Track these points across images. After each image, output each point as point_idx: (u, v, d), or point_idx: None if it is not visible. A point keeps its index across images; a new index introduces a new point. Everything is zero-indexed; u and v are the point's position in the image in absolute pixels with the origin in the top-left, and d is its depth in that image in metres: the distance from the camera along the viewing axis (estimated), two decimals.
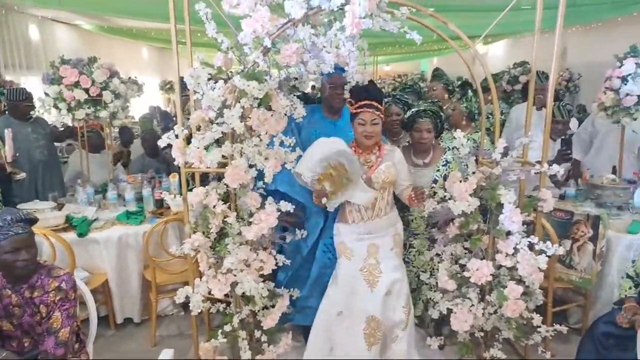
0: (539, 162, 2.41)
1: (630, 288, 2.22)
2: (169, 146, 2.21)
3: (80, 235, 2.91)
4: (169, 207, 3.19)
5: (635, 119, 3.18)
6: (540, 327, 2.45)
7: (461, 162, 2.46)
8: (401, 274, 2.42)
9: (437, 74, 3.90)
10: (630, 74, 3.08)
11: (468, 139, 2.57)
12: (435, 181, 2.63)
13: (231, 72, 2.19)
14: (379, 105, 2.29)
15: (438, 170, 2.65)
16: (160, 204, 3.33)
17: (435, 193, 2.51)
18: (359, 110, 2.27)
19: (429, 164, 2.68)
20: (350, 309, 2.38)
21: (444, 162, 2.65)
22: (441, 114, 2.69)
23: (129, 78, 7.35)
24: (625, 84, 3.10)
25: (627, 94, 3.08)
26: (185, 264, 2.89)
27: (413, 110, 2.67)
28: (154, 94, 9.78)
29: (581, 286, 2.88)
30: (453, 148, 2.57)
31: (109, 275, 2.99)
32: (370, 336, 2.35)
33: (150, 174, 3.62)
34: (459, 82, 4.05)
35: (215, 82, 2.12)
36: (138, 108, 8.39)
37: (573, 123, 3.94)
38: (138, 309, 3.14)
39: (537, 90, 3.08)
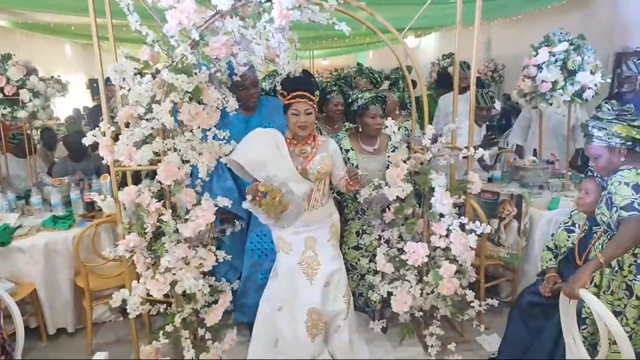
0: (466, 147, 2.54)
1: (550, 259, 2.39)
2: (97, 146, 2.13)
3: (2, 244, 2.72)
4: (101, 210, 3.04)
5: (551, 104, 3.41)
6: (473, 302, 2.60)
7: (395, 148, 2.53)
8: (339, 264, 2.45)
9: (359, 69, 3.91)
10: (544, 62, 3.30)
11: (400, 127, 2.66)
12: (387, 167, 2.68)
13: (159, 67, 2.13)
14: (312, 96, 2.29)
15: (389, 156, 2.70)
16: (91, 206, 3.17)
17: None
18: (291, 101, 2.25)
19: (378, 151, 2.73)
20: (290, 303, 2.39)
21: (392, 148, 2.70)
22: (386, 101, 2.75)
23: (52, 77, 6.92)
24: (541, 71, 3.31)
25: (543, 81, 3.29)
26: (120, 267, 2.78)
27: (365, 97, 2.68)
28: (80, 93, 9.25)
29: (509, 261, 3.08)
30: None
31: (37, 285, 2.81)
32: (313, 327, 2.37)
33: (79, 176, 3.43)
34: (391, 73, 4.14)
35: (142, 77, 2.05)
36: (65, 109, 7.92)
37: (497, 106, 4.20)
38: (71, 318, 2.97)
39: (462, 80, 3.25)
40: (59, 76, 6.41)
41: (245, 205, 2.27)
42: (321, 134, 2.89)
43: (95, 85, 9.03)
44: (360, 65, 4.08)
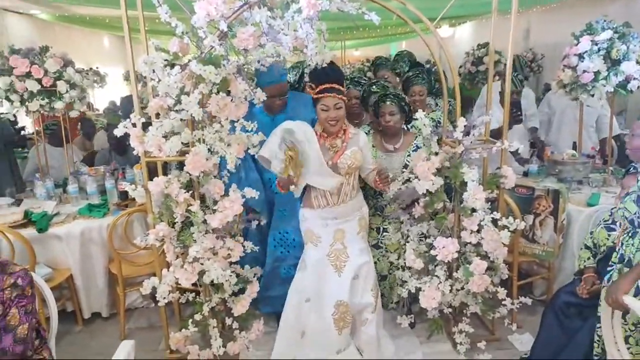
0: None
1: (588, 258, 2.29)
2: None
3: (40, 230, 2.82)
4: (134, 199, 3.11)
5: (592, 95, 3.26)
6: (505, 299, 2.52)
7: (427, 140, 2.46)
8: (368, 257, 2.43)
9: (380, 62, 3.79)
10: (586, 51, 3.14)
11: (430, 119, 2.59)
12: (405, 166, 2.63)
13: (188, 58, 2.13)
14: (341, 88, 2.25)
15: (409, 155, 2.65)
16: (125, 195, 3.25)
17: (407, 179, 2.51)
18: (320, 96, 2.22)
19: (399, 149, 2.67)
20: (318, 295, 2.38)
21: (415, 148, 2.64)
22: (404, 97, 2.67)
23: (90, 69, 7.11)
24: (582, 61, 3.16)
25: (584, 71, 3.14)
26: (151, 255, 2.84)
27: (377, 94, 2.64)
28: (118, 85, 9.51)
29: (544, 259, 2.97)
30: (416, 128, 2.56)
31: (73, 271, 2.91)
32: (340, 320, 2.36)
33: (114, 166, 3.52)
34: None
35: (172, 69, 2.06)
36: (104, 100, 8.16)
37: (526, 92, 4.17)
38: (105, 303, 3.07)
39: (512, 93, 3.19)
40: (97, 68, 6.58)
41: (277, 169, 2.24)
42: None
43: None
44: (380, 58, 3.97)
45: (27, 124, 5.49)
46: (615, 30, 3.15)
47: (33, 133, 4.18)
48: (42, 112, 3.24)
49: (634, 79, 3.14)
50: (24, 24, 6.95)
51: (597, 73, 3.12)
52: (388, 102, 2.56)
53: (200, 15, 1.85)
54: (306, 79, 3.00)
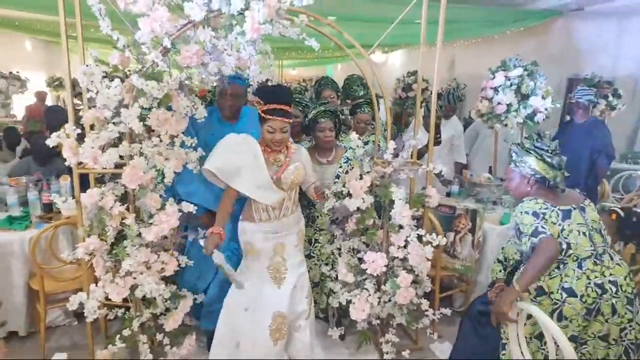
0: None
1: (500, 271, 2.53)
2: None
3: None
4: (59, 212, 2.99)
5: (505, 125, 3.63)
6: (428, 311, 2.71)
7: (360, 160, 2.62)
8: (304, 267, 2.52)
9: (326, 82, 3.84)
10: (500, 85, 3.51)
11: (368, 141, 2.77)
12: (337, 176, 2.77)
13: (129, 70, 2.14)
14: (289, 110, 2.29)
15: (340, 167, 2.81)
16: (49, 208, 3.10)
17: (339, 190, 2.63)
18: (268, 117, 2.25)
19: (332, 162, 2.83)
20: (256, 305, 2.41)
21: (345, 160, 2.82)
22: (339, 113, 2.84)
23: (10, 73, 6.66)
24: (497, 94, 3.52)
25: (499, 103, 3.51)
26: (77, 270, 2.74)
27: (314, 111, 2.79)
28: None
29: (463, 273, 3.22)
30: (350, 148, 2.73)
31: None
32: (276, 331, 2.40)
33: (37, 176, 3.35)
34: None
35: (111, 80, 2.06)
36: (23, 106, 7.64)
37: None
38: (24, 321, 2.89)
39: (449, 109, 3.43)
40: (17, 72, 6.17)
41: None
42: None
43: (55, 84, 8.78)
44: (325, 78, 4.12)
45: None
46: (525, 68, 3.55)
47: None
48: None
49: (540, 112, 3.54)
50: None
51: (509, 105, 3.48)
52: (327, 120, 2.72)
53: (145, 31, 1.88)
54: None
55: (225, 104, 2.66)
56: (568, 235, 2.08)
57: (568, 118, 4.62)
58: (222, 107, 2.68)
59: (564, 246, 2.07)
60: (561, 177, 2.20)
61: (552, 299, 2.04)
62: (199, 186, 2.54)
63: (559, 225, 2.10)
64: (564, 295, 2.02)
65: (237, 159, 2.22)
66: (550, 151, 2.21)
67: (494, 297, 2.33)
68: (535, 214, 2.09)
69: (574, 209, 2.15)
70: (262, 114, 2.26)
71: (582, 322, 2.02)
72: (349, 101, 3.77)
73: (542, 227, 2.05)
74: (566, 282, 2.03)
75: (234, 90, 2.63)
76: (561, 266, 2.07)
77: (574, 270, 2.05)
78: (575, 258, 2.06)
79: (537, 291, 2.08)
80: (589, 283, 2.01)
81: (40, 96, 6.46)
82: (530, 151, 2.21)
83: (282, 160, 2.35)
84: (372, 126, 3.49)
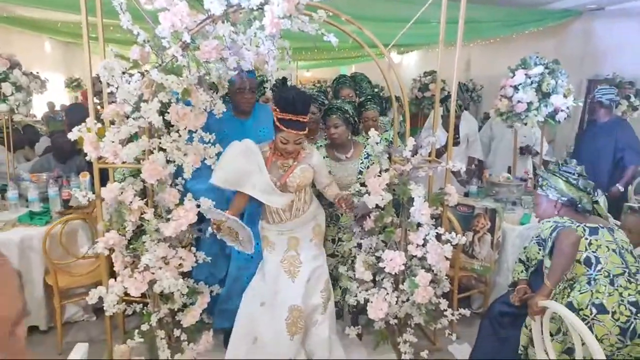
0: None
1: (522, 271, 2.48)
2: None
3: None
4: (79, 207, 3.02)
5: (525, 124, 3.56)
6: (446, 310, 2.66)
7: (378, 157, 2.59)
8: (321, 261, 2.51)
9: (344, 81, 3.74)
10: (520, 84, 3.45)
11: (381, 139, 2.74)
12: (360, 172, 2.75)
13: (146, 70, 2.15)
14: (305, 119, 2.26)
15: (362, 163, 2.79)
16: (68, 204, 3.14)
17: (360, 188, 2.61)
18: (283, 128, 2.23)
19: (351, 158, 2.81)
20: (272, 300, 2.42)
21: (366, 155, 2.80)
22: (349, 110, 2.78)
23: (30, 73, 6.78)
24: (517, 92, 3.47)
25: (519, 101, 3.45)
26: (91, 265, 2.76)
27: (324, 108, 2.78)
28: (58, 92, 9.09)
29: (482, 273, 3.17)
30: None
31: None
32: (293, 325, 2.39)
33: (57, 173, 3.39)
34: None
35: (131, 76, 2.07)
36: (41, 106, 7.76)
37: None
38: (44, 315, 2.92)
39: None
40: (37, 73, 6.27)
41: (218, 237, 2.31)
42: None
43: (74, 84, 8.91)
44: (343, 76, 4.10)
45: None
46: (546, 66, 3.49)
47: None
48: None
49: (561, 110, 3.47)
50: None
51: (529, 104, 3.42)
52: (333, 116, 2.69)
53: (165, 25, 1.89)
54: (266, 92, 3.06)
55: (243, 99, 2.65)
56: (596, 250, 2.02)
57: (588, 118, 4.55)
58: (240, 103, 2.67)
59: (593, 260, 2.01)
60: (588, 200, 2.17)
61: (581, 315, 1.92)
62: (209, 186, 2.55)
63: (586, 239, 2.05)
64: (594, 311, 1.92)
65: (241, 166, 2.26)
66: (576, 174, 2.21)
67: (517, 302, 2.29)
68: (555, 221, 2.09)
69: (602, 227, 2.10)
70: (277, 123, 2.25)
71: (615, 342, 1.90)
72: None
73: (560, 225, 2.02)
74: (597, 298, 1.94)
75: (252, 84, 2.63)
76: (592, 282, 1.99)
77: (605, 286, 1.95)
78: (606, 274, 1.98)
79: (566, 306, 2.02)
80: (622, 300, 1.91)
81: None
82: (557, 174, 2.22)
83: (290, 164, 2.37)
84: (381, 123, 3.46)
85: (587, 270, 2.02)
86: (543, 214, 2.29)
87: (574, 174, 2.21)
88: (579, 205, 2.16)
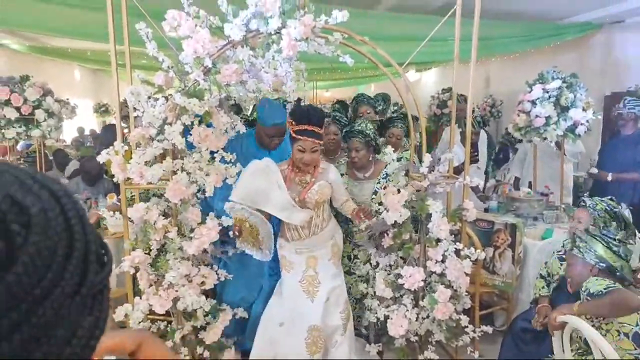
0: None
1: (543, 287, 2.46)
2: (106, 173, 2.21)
3: None
4: (106, 228, 3.13)
5: (545, 138, 3.55)
6: (467, 327, 2.64)
7: (395, 174, 2.62)
8: (340, 281, 2.53)
9: (362, 99, 3.86)
10: (538, 98, 3.45)
11: (401, 158, 2.78)
12: (375, 192, 2.78)
13: (170, 95, 2.25)
14: (320, 131, 2.34)
15: (378, 182, 2.81)
16: (96, 225, 3.25)
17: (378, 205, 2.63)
18: (298, 137, 2.31)
19: (370, 178, 2.84)
20: (291, 319, 2.44)
21: (384, 175, 2.82)
22: (371, 133, 2.83)
23: (62, 100, 7.10)
24: (535, 107, 3.46)
25: (537, 116, 3.44)
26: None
27: (345, 129, 2.83)
28: (87, 117, 9.45)
29: (503, 290, 3.13)
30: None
31: None
32: (312, 345, 2.41)
33: (86, 195, 3.52)
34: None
35: (156, 100, 2.17)
36: (70, 131, 8.08)
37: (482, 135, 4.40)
38: None
39: (460, 112, 3.38)
40: (67, 99, 6.58)
41: (238, 244, 2.35)
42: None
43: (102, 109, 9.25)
44: (362, 95, 4.16)
45: None
46: (564, 80, 3.48)
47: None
48: (17, 139, 3.26)
49: (581, 124, 3.45)
50: None
51: (548, 118, 3.41)
52: (354, 139, 2.73)
53: (188, 52, 1.99)
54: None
55: (273, 144, 2.68)
56: None
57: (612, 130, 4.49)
58: (268, 145, 2.68)
59: None
60: (628, 269, 2.06)
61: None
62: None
63: (638, 313, 1.94)
64: None
65: (260, 184, 2.29)
66: (617, 240, 2.08)
67: (540, 326, 2.24)
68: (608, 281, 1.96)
69: None
70: (293, 134, 2.32)
71: None
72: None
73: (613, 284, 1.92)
74: None
75: (283, 132, 2.64)
76: None
77: None
78: None
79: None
80: None
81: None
82: (597, 238, 2.09)
83: (308, 180, 2.41)
84: (406, 142, 3.50)
85: (636, 349, 1.88)
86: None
87: (614, 239, 2.07)
88: (618, 274, 2.03)
